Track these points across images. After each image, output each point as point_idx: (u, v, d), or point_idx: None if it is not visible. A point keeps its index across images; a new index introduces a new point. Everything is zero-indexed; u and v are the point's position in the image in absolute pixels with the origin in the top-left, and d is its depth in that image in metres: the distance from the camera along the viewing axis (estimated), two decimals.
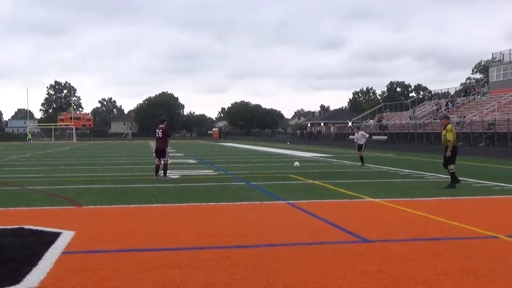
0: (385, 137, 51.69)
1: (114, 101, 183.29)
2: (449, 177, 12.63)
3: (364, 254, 5.74)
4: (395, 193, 11.37)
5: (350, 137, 57.98)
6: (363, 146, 20.24)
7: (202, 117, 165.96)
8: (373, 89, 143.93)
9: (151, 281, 4.73)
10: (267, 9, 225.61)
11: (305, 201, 10.17)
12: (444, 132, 12.72)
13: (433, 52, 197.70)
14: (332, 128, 77.53)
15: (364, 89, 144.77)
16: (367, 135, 21.33)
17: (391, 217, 8.47)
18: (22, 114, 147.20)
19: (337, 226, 7.45)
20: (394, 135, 51.04)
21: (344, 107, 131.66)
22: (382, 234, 6.87)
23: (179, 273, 4.99)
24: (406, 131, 49.21)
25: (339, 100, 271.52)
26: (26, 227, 7.37)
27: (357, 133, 21.05)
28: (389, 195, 10.95)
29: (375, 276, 4.89)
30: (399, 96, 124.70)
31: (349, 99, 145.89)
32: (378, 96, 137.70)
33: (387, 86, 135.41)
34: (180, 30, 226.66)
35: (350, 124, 66.41)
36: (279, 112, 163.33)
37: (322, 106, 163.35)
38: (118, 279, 4.81)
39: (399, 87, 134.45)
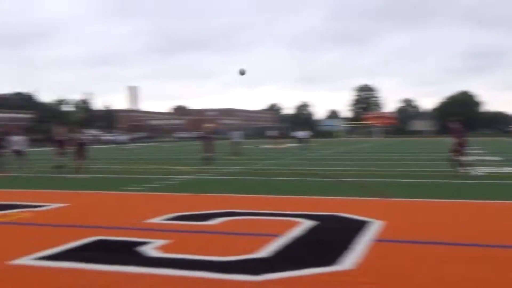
0: None
1: (414, 100, 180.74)
2: None
3: None
4: None
5: None
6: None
7: (499, 114, 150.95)
8: None
9: (460, 277, 4.45)
10: None
11: None
12: None
13: None
14: None
15: None
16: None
17: None
18: (332, 114, 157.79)
19: None
20: None
21: None
22: None
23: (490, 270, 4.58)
24: None
25: None
26: (339, 214, 7.76)
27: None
28: None
29: None
30: None
31: None
32: None
33: None
34: (475, 28, 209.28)
35: None
36: None
37: None
38: (421, 274, 4.66)
39: None
